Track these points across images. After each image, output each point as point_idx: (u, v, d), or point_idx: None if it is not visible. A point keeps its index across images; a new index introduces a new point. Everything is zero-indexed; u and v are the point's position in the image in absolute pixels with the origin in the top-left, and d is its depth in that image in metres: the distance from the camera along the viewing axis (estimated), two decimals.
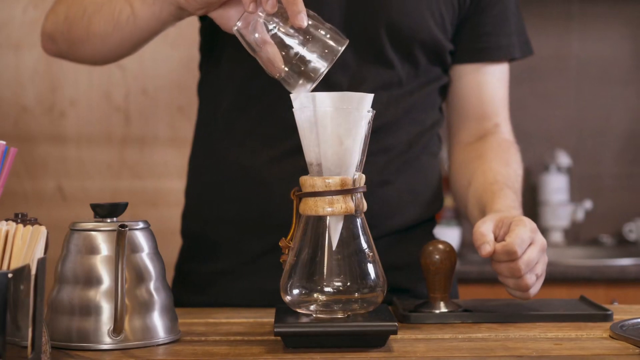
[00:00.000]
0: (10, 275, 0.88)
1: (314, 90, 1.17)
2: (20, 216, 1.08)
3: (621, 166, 3.22)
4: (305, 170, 1.16)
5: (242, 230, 1.51)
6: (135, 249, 1.15)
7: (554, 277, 2.47)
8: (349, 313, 1.13)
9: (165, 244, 1.40)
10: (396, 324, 1.10)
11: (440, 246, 1.32)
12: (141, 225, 1.18)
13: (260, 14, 1.20)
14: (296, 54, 1.18)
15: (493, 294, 2.15)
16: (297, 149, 1.21)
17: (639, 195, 3.19)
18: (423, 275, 1.33)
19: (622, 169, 3.21)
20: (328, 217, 1.13)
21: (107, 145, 2.59)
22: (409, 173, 1.53)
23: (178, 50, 2.58)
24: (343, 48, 1.19)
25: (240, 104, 1.52)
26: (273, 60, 1.19)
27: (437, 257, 1.31)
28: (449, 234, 2.87)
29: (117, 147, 2.60)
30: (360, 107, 1.12)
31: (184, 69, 2.57)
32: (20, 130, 2.56)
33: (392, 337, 1.16)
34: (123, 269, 1.11)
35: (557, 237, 3.10)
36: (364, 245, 1.14)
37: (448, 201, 2.60)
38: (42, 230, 0.94)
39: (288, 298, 1.14)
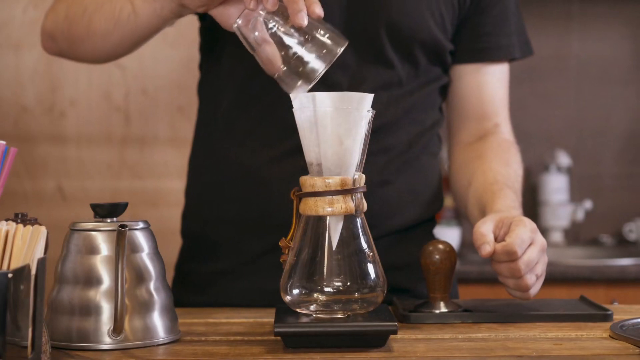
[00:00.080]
0: (10, 275, 0.88)
1: (314, 90, 1.17)
2: (20, 216, 1.08)
3: (621, 166, 3.21)
4: (305, 170, 1.16)
5: (242, 230, 1.51)
6: (135, 249, 1.15)
7: (554, 277, 2.46)
8: (349, 313, 1.13)
9: (165, 244, 1.40)
10: (396, 324, 1.10)
11: (440, 246, 1.32)
12: (141, 225, 1.18)
13: (261, 12, 1.19)
14: (295, 53, 1.18)
15: (493, 294, 2.14)
16: (297, 149, 1.21)
17: (639, 195, 3.19)
18: (423, 275, 1.33)
19: (622, 169, 3.21)
20: (328, 217, 1.13)
21: (107, 145, 2.59)
22: (409, 173, 1.53)
23: (178, 50, 2.58)
24: (342, 50, 1.18)
25: (240, 103, 1.52)
26: (272, 59, 1.19)
27: (437, 257, 1.31)
28: (449, 234, 2.87)
29: (117, 147, 2.60)
30: (360, 107, 1.12)
31: (184, 69, 2.57)
32: (20, 130, 2.56)
33: (392, 337, 1.16)
34: (123, 269, 1.11)
35: (557, 237, 3.10)
36: (364, 245, 1.14)
37: (448, 201, 2.60)
38: (42, 230, 0.94)
39: (288, 298, 1.14)
